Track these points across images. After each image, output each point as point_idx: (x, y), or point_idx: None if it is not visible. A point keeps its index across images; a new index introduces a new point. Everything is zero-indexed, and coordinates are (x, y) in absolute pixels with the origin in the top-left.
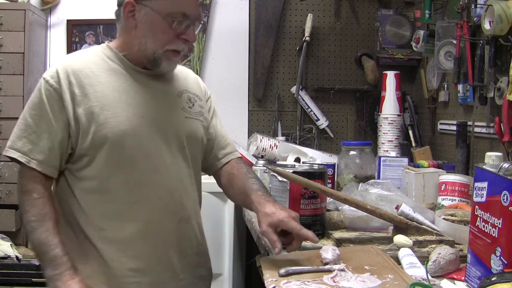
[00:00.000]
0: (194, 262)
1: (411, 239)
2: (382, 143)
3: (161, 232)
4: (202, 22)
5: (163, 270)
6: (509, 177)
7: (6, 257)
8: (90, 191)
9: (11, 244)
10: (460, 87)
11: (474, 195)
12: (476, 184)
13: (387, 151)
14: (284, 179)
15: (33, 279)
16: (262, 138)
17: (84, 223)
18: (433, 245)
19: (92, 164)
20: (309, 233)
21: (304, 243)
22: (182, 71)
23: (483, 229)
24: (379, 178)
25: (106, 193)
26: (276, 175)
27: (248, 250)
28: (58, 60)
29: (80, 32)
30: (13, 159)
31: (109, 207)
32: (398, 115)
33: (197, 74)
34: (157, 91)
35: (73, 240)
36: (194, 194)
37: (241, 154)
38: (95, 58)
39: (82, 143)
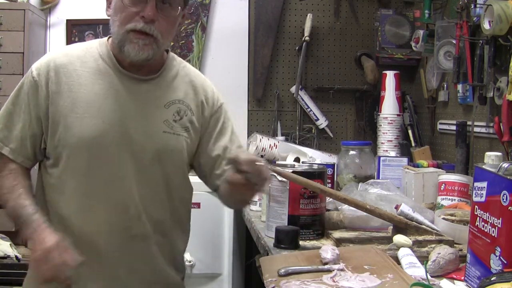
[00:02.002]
0: (152, 279)
1: (410, 239)
2: (382, 143)
3: (108, 247)
4: (180, 6)
5: (111, 282)
6: (508, 177)
7: (6, 256)
8: (53, 188)
9: (10, 244)
10: (459, 87)
11: (474, 195)
12: (476, 184)
13: (386, 151)
14: (284, 179)
15: None
16: (262, 138)
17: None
18: (433, 245)
19: (57, 164)
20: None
21: (303, 243)
22: (188, 80)
23: (482, 229)
24: (378, 178)
25: (62, 194)
26: (276, 175)
27: (248, 250)
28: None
29: (79, 32)
30: None
31: (64, 208)
32: (397, 115)
33: None
34: (141, 98)
35: None
36: (157, 213)
37: None
38: (86, 55)
39: (50, 142)
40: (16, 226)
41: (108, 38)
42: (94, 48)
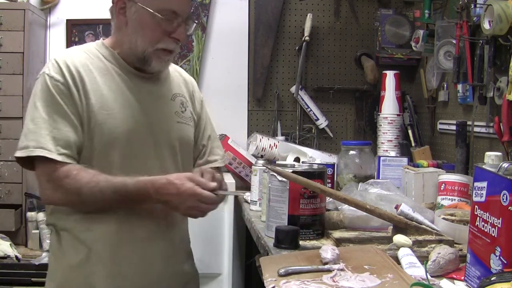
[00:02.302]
0: (180, 270)
1: (410, 238)
2: (382, 142)
3: (145, 238)
4: (196, 21)
5: (146, 275)
6: (508, 177)
7: (6, 257)
8: None
9: (10, 244)
10: (459, 86)
11: (474, 195)
12: (476, 184)
13: (386, 150)
14: (284, 179)
15: (32, 279)
16: (262, 137)
17: (75, 223)
18: (433, 245)
19: (89, 162)
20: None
21: (303, 243)
22: (178, 74)
23: (482, 228)
24: (378, 177)
25: None
26: (276, 175)
27: (248, 249)
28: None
29: (79, 32)
30: (28, 158)
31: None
32: (397, 114)
33: (196, 74)
34: (150, 93)
35: (59, 242)
36: None
37: (240, 154)
38: (90, 56)
39: (83, 140)
40: (128, 205)
41: (103, 39)
42: (94, 49)
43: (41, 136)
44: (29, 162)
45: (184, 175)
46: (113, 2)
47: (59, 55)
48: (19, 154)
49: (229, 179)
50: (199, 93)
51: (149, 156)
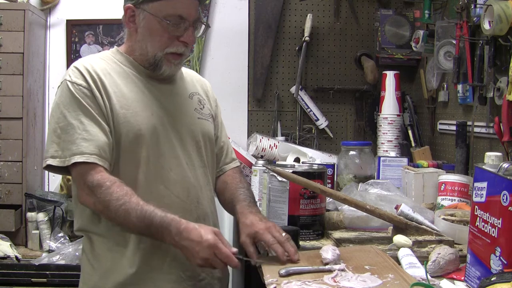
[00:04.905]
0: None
1: (410, 239)
2: (382, 143)
3: None
4: (204, 23)
5: (182, 268)
6: (508, 177)
7: (6, 257)
8: None
9: (10, 244)
10: (459, 87)
11: (474, 195)
12: (476, 184)
13: (386, 151)
14: (284, 179)
15: (32, 279)
16: (262, 138)
17: (107, 227)
18: (433, 245)
19: (117, 161)
20: (279, 250)
21: (303, 243)
22: (191, 75)
23: (482, 229)
24: (378, 178)
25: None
26: (276, 175)
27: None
28: (58, 61)
29: (79, 32)
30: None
31: None
32: (397, 115)
33: None
34: (168, 93)
35: (91, 242)
36: (209, 193)
37: (240, 154)
38: (107, 62)
39: (112, 140)
40: (147, 235)
41: (117, 47)
42: (110, 56)
43: (73, 143)
44: (62, 169)
45: (211, 228)
46: (123, 11)
47: (78, 62)
48: (54, 163)
49: None
50: (213, 93)
51: (176, 153)
